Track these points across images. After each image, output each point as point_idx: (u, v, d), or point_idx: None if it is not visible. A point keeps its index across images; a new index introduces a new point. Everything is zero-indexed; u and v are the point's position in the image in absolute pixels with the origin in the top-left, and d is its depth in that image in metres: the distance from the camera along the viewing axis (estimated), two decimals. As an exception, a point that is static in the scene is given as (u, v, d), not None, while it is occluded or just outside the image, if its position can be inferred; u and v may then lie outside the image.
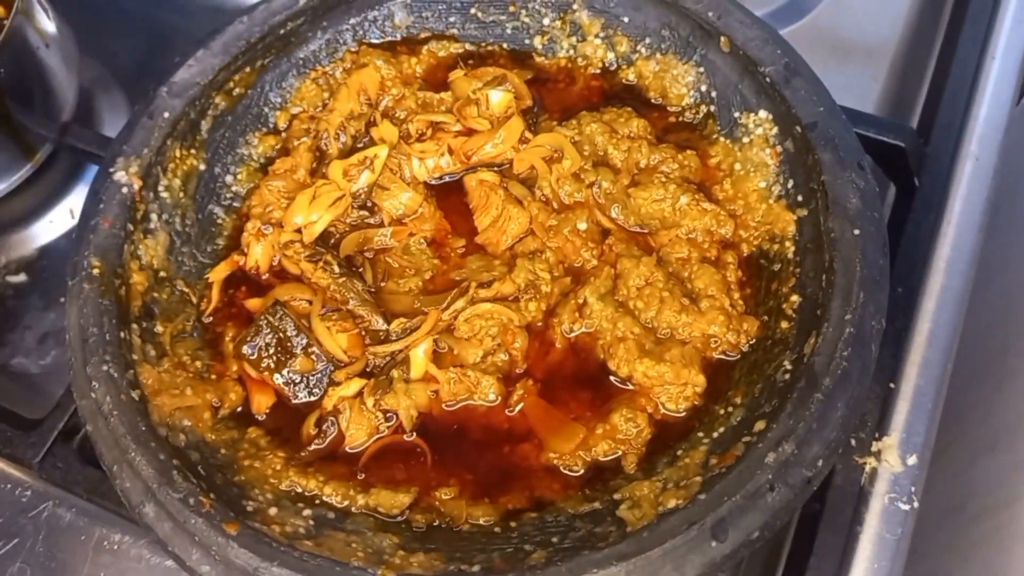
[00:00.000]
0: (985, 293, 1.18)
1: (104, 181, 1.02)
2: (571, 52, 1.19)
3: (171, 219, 1.06)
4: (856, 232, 0.93)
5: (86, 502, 1.02)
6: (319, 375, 0.99)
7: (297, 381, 0.99)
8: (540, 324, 1.02)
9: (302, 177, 1.11)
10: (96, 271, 0.96)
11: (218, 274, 1.06)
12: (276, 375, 0.99)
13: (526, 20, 1.20)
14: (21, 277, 1.28)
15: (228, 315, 1.05)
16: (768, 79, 1.04)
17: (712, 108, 1.12)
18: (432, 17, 1.20)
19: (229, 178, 1.13)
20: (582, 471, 0.94)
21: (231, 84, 1.12)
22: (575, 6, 1.17)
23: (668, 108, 1.15)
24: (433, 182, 1.12)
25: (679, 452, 0.92)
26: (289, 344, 0.99)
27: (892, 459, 0.97)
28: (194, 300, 1.05)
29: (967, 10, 1.30)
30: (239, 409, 0.99)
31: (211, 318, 1.05)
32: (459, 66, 1.17)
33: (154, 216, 1.05)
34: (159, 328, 1.00)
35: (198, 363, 1.00)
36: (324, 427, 0.97)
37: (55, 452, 1.03)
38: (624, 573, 0.79)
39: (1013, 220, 1.35)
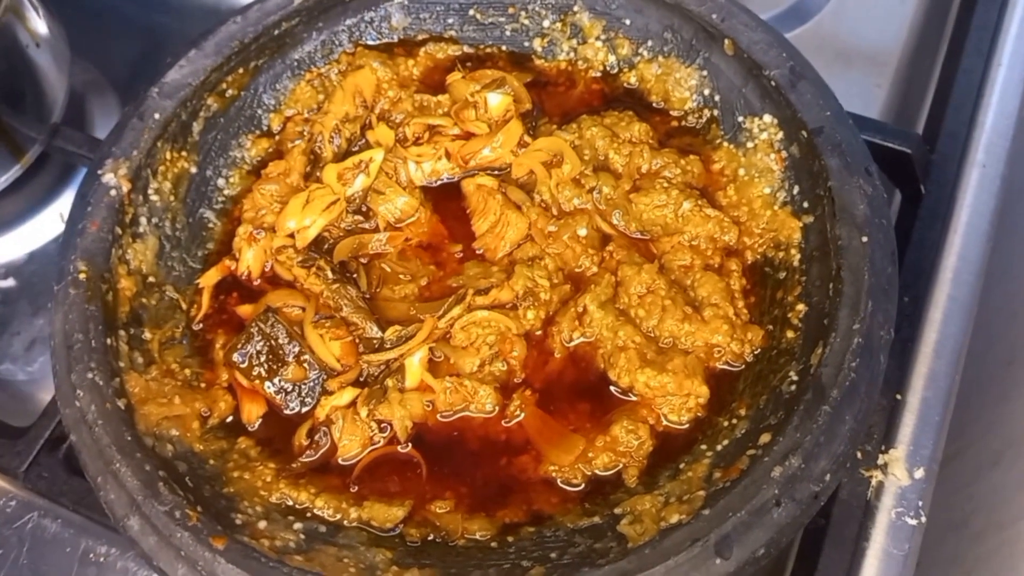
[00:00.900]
0: (989, 303, 1.17)
1: (92, 183, 1.01)
2: (571, 55, 1.19)
3: (161, 223, 1.05)
4: (864, 239, 0.93)
5: (72, 513, 1.01)
6: (311, 384, 0.98)
7: (289, 390, 0.98)
8: (539, 333, 1.01)
9: (295, 181, 1.10)
10: (82, 276, 0.95)
11: (209, 279, 1.06)
12: (267, 384, 0.98)
13: (526, 22, 1.19)
14: (9, 282, 1.28)
15: (219, 322, 1.04)
16: (773, 83, 1.04)
17: (715, 112, 1.11)
18: (430, 19, 1.20)
19: (221, 181, 1.12)
20: (582, 484, 0.93)
21: (224, 85, 1.11)
22: (576, 8, 1.17)
23: (670, 112, 1.14)
24: (430, 186, 1.11)
25: (682, 465, 0.91)
26: (281, 352, 0.97)
27: (899, 472, 0.96)
28: (184, 306, 1.04)
29: (972, 17, 1.30)
30: (229, 419, 0.98)
31: (201, 325, 1.04)
32: (457, 68, 1.17)
33: (143, 220, 1.03)
34: (147, 335, 0.99)
35: (187, 371, 0.99)
36: (316, 437, 0.96)
37: (41, 462, 1.02)
38: (625, 590, 0.78)
39: (1020, 229, 1.34)
